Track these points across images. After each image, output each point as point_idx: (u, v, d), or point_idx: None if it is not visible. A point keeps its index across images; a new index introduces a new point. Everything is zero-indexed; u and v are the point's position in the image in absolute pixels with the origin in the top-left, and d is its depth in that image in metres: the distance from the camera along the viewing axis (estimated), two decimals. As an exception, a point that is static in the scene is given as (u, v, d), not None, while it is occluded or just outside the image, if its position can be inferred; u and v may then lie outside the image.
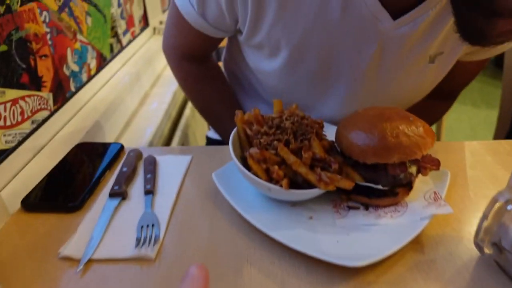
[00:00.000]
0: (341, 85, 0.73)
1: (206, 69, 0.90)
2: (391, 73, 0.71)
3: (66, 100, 0.94)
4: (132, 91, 1.20)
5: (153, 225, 0.58)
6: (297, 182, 0.57)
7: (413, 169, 0.58)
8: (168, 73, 1.53)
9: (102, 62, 1.16)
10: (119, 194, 0.64)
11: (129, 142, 1.03)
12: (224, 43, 0.95)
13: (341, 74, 0.71)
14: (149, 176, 0.68)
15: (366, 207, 0.59)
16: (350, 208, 0.59)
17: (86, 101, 1.01)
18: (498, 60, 3.55)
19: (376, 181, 0.57)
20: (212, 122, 0.96)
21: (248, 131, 0.60)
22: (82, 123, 0.92)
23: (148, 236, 0.56)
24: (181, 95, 1.45)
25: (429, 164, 0.58)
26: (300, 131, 0.59)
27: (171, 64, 0.90)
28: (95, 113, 0.97)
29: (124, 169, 0.69)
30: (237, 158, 0.60)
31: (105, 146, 0.79)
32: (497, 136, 1.32)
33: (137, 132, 1.09)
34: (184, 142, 1.33)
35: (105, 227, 0.58)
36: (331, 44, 0.67)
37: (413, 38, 0.65)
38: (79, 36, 1.03)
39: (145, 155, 0.75)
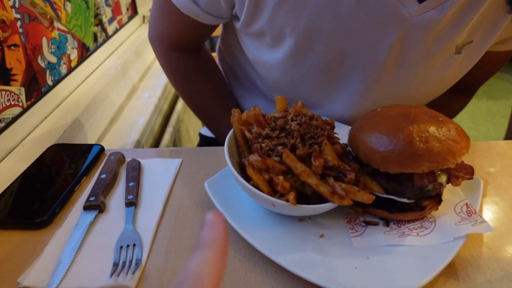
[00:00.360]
0: (353, 79, 0.64)
1: (198, 62, 0.80)
2: (412, 66, 0.61)
3: (41, 95, 0.84)
4: (119, 84, 1.09)
5: (134, 245, 0.49)
6: (305, 194, 0.48)
7: (443, 179, 0.49)
8: (159, 64, 1.43)
9: (85, 53, 1.06)
10: (95, 206, 0.54)
11: (114, 142, 0.93)
12: (218, 32, 0.85)
13: (354, 67, 0.62)
14: (131, 184, 0.58)
15: (386, 222, 0.50)
16: (367, 223, 0.50)
17: (66, 96, 0.91)
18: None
19: (399, 193, 0.48)
20: (206, 121, 0.87)
21: (247, 134, 0.51)
22: (60, 121, 0.82)
23: (127, 260, 0.47)
24: (173, 88, 1.35)
25: (461, 173, 0.49)
26: (308, 134, 0.50)
27: (158, 56, 0.80)
28: (75, 109, 0.87)
29: (103, 176, 0.60)
30: (234, 164, 0.50)
31: (83, 148, 0.69)
32: (509, 133, 1.23)
33: (124, 130, 0.99)
34: (176, 139, 1.23)
35: (76, 248, 0.48)
36: (344, 31, 0.57)
37: (440, 25, 0.56)
38: (56, 24, 0.92)
39: (129, 158, 0.66)
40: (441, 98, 0.74)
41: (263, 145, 0.49)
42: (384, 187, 0.49)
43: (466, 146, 0.47)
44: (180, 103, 1.36)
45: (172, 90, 1.35)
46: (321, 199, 0.48)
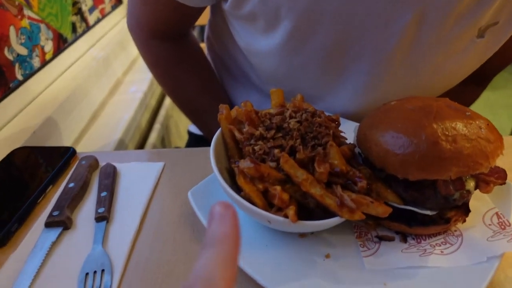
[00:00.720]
0: (360, 68, 0.55)
1: (181, 51, 0.71)
2: (427, 53, 0.53)
3: (9, 91, 0.75)
4: (100, 79, 1.01)
5: (103, 271, 0.41)
6: (307, 206, 0.40)
7: (470, 185, 0.41)
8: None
9: (62, 45, 0.97)
10: (59, 223, 0.46)
11: (94, 143, 0.85)
12: (206, 19, 0.76)
13: (361, 54, 0.53)
14: (103, 194, 0.50)
15: (403, 236, 0.43)
16: (380, 239, 0.42)
17: (39, 92, 0.83)
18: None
19: (420, 203, 0.40)
20: (193, 117, 0.78)
21: (237, 135, 0.43)
22: (30, 120, 0.73)
23: (93, 291, 0.39)
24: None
25: (493, 177, 0.41)
26: (310, 134, 0.41)
27: (138, 45, 0.71)
28: (48, 107, 0.79)
29: (71, 185, 0.51)
30: (222, 171, 0.42)
31: (53, 151, 0.61)
32: None
33: (105, 129, 0.90)
34: (165, 136, 1.15)
35: (33, 276, 0.40)
36: (351, 11, 0.49)
37: (463, 4, 0.48)
38: (27, 12, 0.83)
39: (104, 162, 0.57)
40: (453, 89, 0.66)
41: (256, 148, 0.41)
42: (401, 196, 0.41)
43: (500, 146, 0.39)
44: (169, 98, 1.28)
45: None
46: (326, 212, 0.40)
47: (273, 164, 0.39)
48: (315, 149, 0.40)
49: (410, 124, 0.39)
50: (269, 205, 0.39)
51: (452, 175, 0.37)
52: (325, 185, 0.39)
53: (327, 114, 0.45)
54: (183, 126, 1.36)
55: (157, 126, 1.10)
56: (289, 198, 0.38)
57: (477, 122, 0.39)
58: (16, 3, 0.80)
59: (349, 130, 0.49)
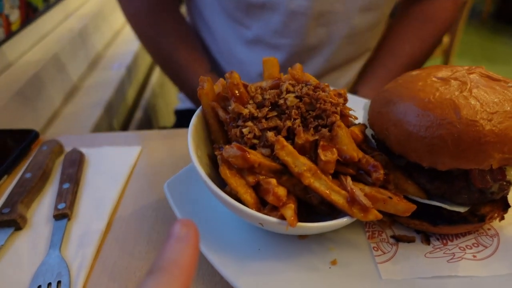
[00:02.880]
0: None
1: (165, 4, 0.67)
2: None
3: (-34, 66, 0.66)
4: (77, 53, 0.91)
5: (59, 283, 0.33)
6: (309, 203, 0.32)
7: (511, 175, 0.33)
8: (130, 28, 1.23)
9: (31, 14, 0.86)
10: (10, 222, 0.38)
11: (68, 126, 0.76)
12: None
13: None
14: (66, 186, 0.42)
15: (425, 236, 0.35)
16: (398, 240, 0.35)
17: (3, 67, 0.73)
18: (498, 12, 3.30)
19: (448, 197, 0.33)
20: (175, 75, 0.72)
21: (221, 114, 0.35)
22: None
23: (45, 309, 0.31)
24: (146, 57, 1.16)
25: (539, 165, 0.33)
26: (313, 112, 0.33)
27: None
28: (13, 85, 0.69)
29: (27, 175, 0.43)
30: (203, 159, 0.34)
31: (11, 134, 0.52)
32: None
33: (83, 110, 0.81)
34: (152, 117, 1.06)
35: (-28, 291, 0.33)
36: None
37: None
38: (-13, -25, 0.73)
39: (70, 147, 0.49)
40: (427, 9, 0.68)
41: (244, 130, 0.32)
42: (425, 189, 0.33)
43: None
44: (156, 74, 1.18)
45: (146, 59, 1.16)
46: (333, 209, 0.32)
47: (266, 151, 0.31)
48: (319, 131, 0.32)
49: (439, 98, 0.31)
50: (262, 203, 0.31)
51: (494, 164, 0.29)
52: (332, 176, 0.31)
53: (332, 88, 0.37)
54: (173, 105, 1.27)
55: (142, 104, 1.01)
56: (286, 193, 0.30)
57: (522, 94, 0.31)
58: (-27, -37, 0.69)
59: (357, 108, 0.41)
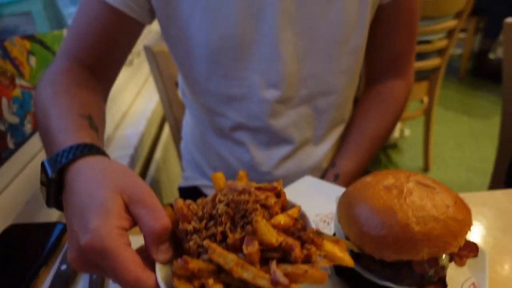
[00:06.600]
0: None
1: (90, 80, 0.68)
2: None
3: (0, 161, 0.77)
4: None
5: None
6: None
7: (444, 260, 0.43)
8: (135, 109, 1.37)
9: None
10: (52, 311, 0.47)
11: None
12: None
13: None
14: (94, 277, 0.51)
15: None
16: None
17: (29, 159, 0.84)
18: (475, 69, 3.49)
19: (399, 281, 0.42)
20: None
21: (178, 233, 0.42)
22: (21, 193, 0.74)
23: None
24: (150, 137, 1.28)
25: (465, 251, 0.43)
26: (238, 214, 0.40)
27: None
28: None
29: (63, 267, 0.52)
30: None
31: (43, 228, 0.62)
32: (496, 171, 1.18)
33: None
34: (156, 192, 1.16)
35: None
36: None
37: None
38: (19, 81, 0.86)
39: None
40: (382, 91, 0.81)
41: (190, 243, 0.40)
42: (380, 275, 0.43)
43: (468, 223, 0.42)
44: (160, 150, 1.30)
45: (149, 139, 1.28)
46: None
47: (206, 256, 0.38)
48: (244, 228, 0.39)
49: (383, 204, 0.42)
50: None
51: (425, 256, 0.40)
52: (263, 263, 0.37)
53: (269, 182, 0.44)
54: (176, 181, 1.37)
55: (148, 181, 1.12)
56: None
57: (445, 201, 0.42)
58: (8, 74, 0.83)
59: (331, 196, 0.51)
